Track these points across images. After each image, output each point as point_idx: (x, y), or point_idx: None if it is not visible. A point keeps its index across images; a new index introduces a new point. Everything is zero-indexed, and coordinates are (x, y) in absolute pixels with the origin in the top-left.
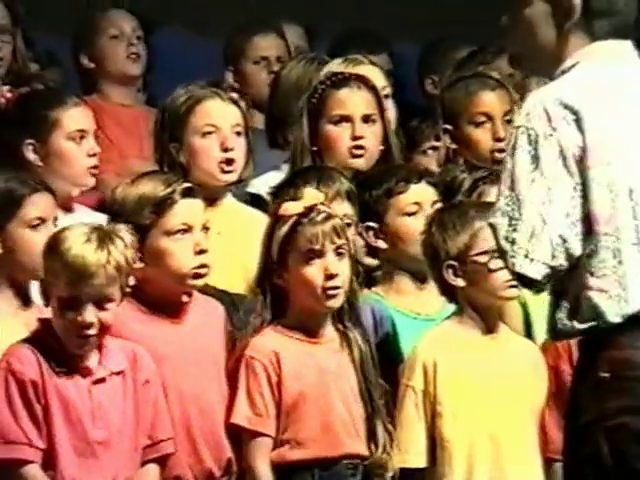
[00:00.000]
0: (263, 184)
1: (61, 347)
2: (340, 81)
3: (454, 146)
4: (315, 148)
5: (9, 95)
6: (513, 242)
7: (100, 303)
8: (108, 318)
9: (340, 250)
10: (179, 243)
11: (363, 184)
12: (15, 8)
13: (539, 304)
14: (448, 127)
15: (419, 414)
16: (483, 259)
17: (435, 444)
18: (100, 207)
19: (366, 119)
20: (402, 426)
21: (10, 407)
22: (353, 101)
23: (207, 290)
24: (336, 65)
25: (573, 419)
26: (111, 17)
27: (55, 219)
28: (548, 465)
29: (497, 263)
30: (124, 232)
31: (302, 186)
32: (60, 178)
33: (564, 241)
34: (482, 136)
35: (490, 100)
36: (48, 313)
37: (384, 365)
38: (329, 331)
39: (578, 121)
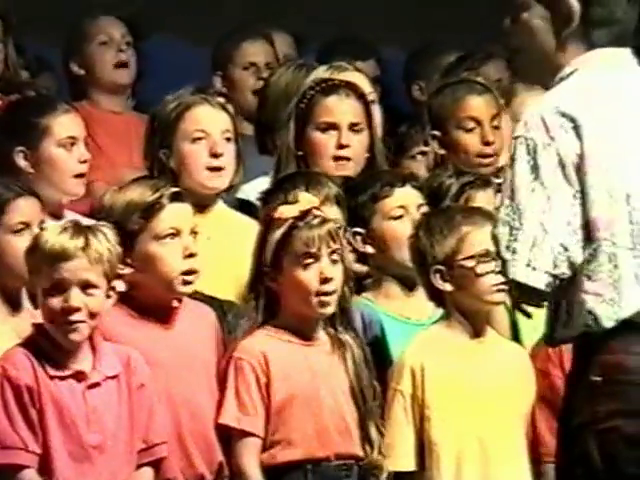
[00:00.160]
0: (252, 190)
1: (56, 352)
2: (329, 88)
3: (442, 152)
4: (301, 153)
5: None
6: (514, 251)
7: (84, 288)
8: (94, 304)
9: (334, 255)
10: (168, 247)
11: (348, 190)
12: (9, 18)
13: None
14: (436, 133)
15: (407, 418)
16: (470, 264)
17: (424, 447)
18: (90, 214)
19: (353, 127)
20: (391, 430)
21: (6, 412)
22: (340, 109)
23: (196, 296)
24: (321, 72)
25: (565, 421)
26: (100, 23)
27: (41, 223)
28: (539, 467)
29: (484, 268)
30: (107, 229)
31: (291, 191)
32: (51, 185)
33: (565, 249)
34: (470, 141)
35: (477, 105)
36: (40, 318)
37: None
38: (321, 334)
39: (576, 128)
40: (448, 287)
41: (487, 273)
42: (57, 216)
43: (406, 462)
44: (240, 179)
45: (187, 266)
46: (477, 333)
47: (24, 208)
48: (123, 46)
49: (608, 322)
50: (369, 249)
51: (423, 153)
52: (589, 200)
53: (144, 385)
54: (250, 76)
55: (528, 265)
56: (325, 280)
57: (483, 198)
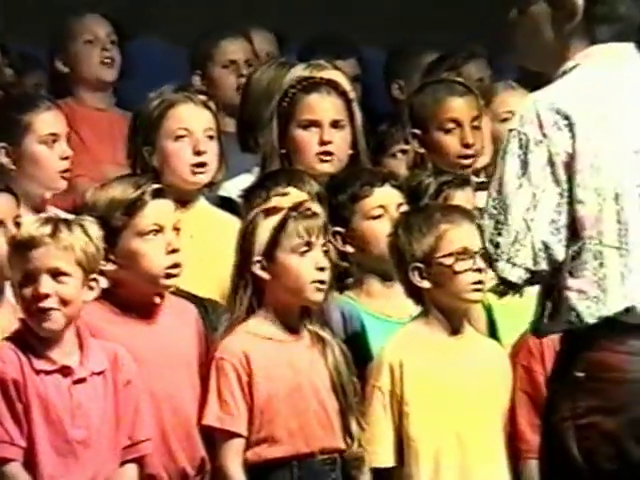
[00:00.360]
0: (234, 187)
1: (42, 346)
2: (310, 86)
3: (422, 150)
4: (284, 151)
5: None
6: (497, 246)
7: (55, 276)
8: (66, 292)
9: (325, 247)
10: (151, 243)
11: (329, 189)
12: None
13: (503, 307)
14: (416, 132)
15: (386, 414)
16: (448, 261)
17: (403, 444)
18: (73, 210)
19: (335, 124)
20: (370, 426)
21: None
22: (322, 106)
23: (178, 293)
24: (300, 70)
25: (547, 416)
26: (85, 22)
27: (16, 218)
28: (520, 463)
29: (462, 265)
30: (88, 223)
31: (273, 188)
32: (33, 181)
33: (547, 247)
34: (450, 142)
35: (458, 106)
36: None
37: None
38: (301, 329)
39: (570, 126)
40: (426, 284)
41: (465, 271)
42: (40, 212)
43: (385, 458)
44: (222, 176)
45: (170, 261)
46: (455, 330)
47: None
48: (108, 45)
49: (590, 319)
50: (349, 248)
51: (404, 151)
52: (577, 199)
53: (130, 382)
54: (230, 74)
55: (508, 261)
56: (321, 269)
57: (462, 197)
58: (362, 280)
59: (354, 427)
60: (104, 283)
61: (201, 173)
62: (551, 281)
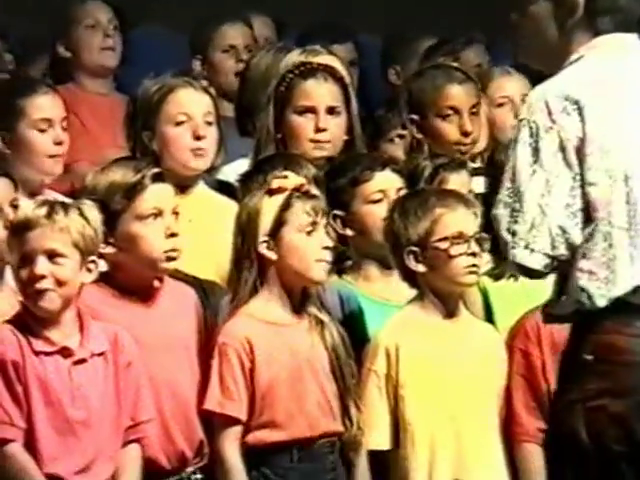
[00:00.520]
0: (232, 171)
1: (42, 328)
2: (307, 72)
3: (420, 136)
4: (280, 136)
5: None
6: (514, 234)
7: (51, 257)
8: (62, 273)
9: (326, 228)
10: (150, 227)
11: (329, 173)
12: None
13: (499, 291)
14: (414, 117)
15: (382, 397)
16: (444, 245)
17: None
18: (71, 194)
19: (331, 111)
20: (366, 409)
21: None
22: (318, 93)
23: (176, 275)
24: (295, 55)
25: (556, 398)
26: (87, 7)
27: (13, 202)
28: (515, 446)
29: (457, 249)
30: (86, 206)
31: (270, 172)
32: (27, 166)
33: (564, 231)
34: (449, 129)
35: (457, 94)
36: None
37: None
38: (302, 311)
39: (579, 110)
40: (421, 268)
41: (460, 255)
42: (37, 196)
43: (381, 441)
44: (221, 161)
45: (169, 245)
46: (450, 313)
47: None
48: (110, 30)
49: (601, 300)
50: (348, 232)
51: (401, 136)
52: (589, 181)
53: (132, 363)
54: (229, 59)
55: (527, 247)
56: (327, 248)
57: (457, 180)
58: (360, 264)
59: (353, 410)
60: (103, 266)
61: (200, 158)
62: (566, 268)
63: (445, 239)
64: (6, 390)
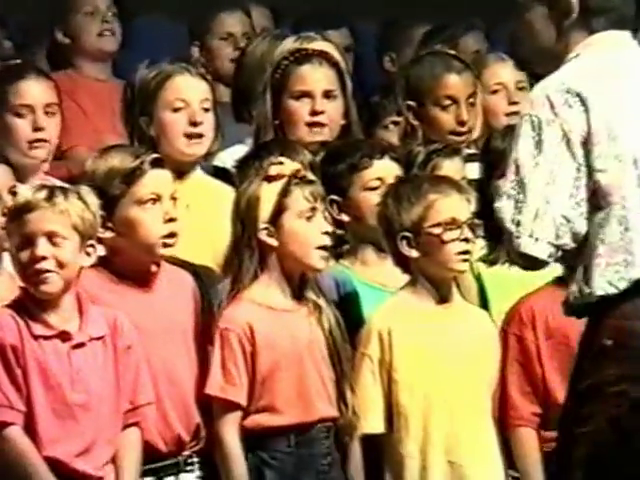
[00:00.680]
0: (229, 157)
1: (41, 312)
2: (303, 57)
3: (416, 122)
4: (277, 122)
5: None
6: (518, 224)
7: (51, 239)
8: (63, 255)
9: (324, 213)
10: (149, 212)
11: (327, 159)
12: None
13: (493, 277)
14: (411, 104)
15: (375, 381)
16: (437, 231)
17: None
18: (69, 179)
19: (327, 95)
20: (360, 393)
21: None
22: (314, 77)
23: (172, 261)
24: (290, 42)
25: (575, 383)
26: None
27: (12, 188)
28: (510, 431)
29: (450, 235)
30: (84, 191)
31: (266, 158)
32: (12, 151)
33: (568, 221)
34: (446, 118)
35: (455, 83)
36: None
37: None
38: (301, 297)
39: (582, 101)
40: (414, 253)
41: (453, 240)
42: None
43: (375, 424)
44: (218, 147)
45: (167, 230)
46: (443, 299)
47: None
48: (108, 17)
49: (622, 283)
50: (345, 217)
51: (396, 123)
52: (598, 169)
53: (131, 347)
54: (227, 46)
55: (531, 236)
56: (326, 233)
57: (450, 166)
58: (357, 249)
59: (348, 395)
60: (101, 251)
61: (197, 144)
62: (576, 257)
63: (438, 225)
64: (5, 374)
